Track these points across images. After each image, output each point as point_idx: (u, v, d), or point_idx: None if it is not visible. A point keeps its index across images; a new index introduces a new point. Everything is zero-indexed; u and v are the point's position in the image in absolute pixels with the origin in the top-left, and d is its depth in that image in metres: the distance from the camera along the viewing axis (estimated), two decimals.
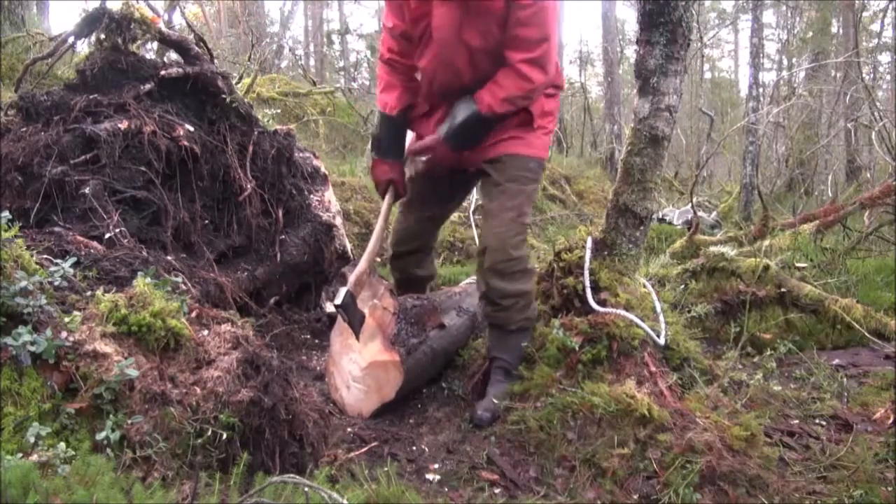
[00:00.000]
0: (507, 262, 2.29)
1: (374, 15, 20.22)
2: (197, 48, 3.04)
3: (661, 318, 2.33)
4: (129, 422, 1.54)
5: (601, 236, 2.44)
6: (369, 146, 2.62)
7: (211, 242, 2.78)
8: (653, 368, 2.22)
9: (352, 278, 2.28)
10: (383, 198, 2.51)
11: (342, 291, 2.21)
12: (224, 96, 2.90)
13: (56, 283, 1.79)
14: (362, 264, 2.37)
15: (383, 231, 2.47)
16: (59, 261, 1.89)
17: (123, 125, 2.52)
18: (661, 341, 2.27)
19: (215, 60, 3.22)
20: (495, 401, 2.28)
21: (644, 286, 2.46)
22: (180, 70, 2.86)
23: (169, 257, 2.38)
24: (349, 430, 2.24)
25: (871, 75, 11.48)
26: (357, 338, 2.32)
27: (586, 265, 2.35)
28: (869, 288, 3.93)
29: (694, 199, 5.29)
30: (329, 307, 2.65)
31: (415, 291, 2.71)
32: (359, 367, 2.35)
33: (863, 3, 9.03)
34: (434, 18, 2.16)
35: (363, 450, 2.07)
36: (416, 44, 2.31)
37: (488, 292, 2.34)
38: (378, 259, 3.83)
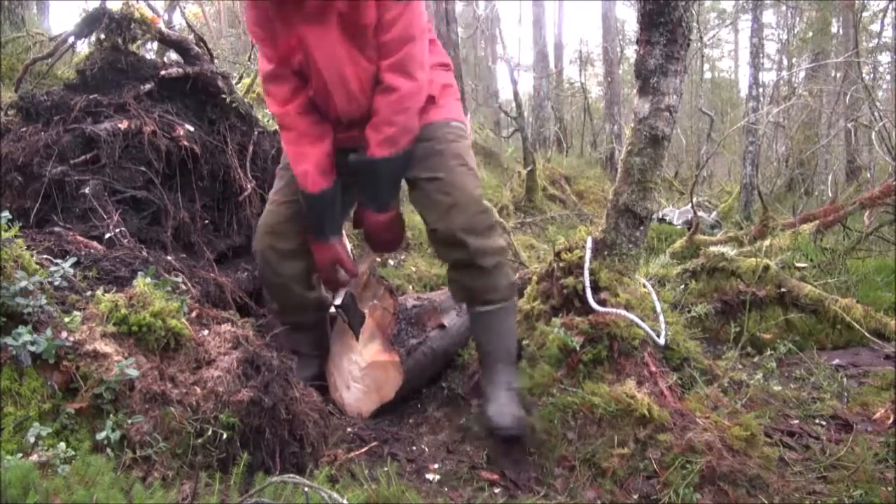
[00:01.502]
0: (480, 215, 2.09)
1: None
2: (197, 48, 3.04)
3: (661, 318, 2.33)
4: (129, 422, 1.54)
5: (601, 236, 2.44)
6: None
7: (211, 242, 2.78)
8: (653, 368, 2.23)
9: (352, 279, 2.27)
10: (333, 287, 2.29)
11: (342, 292, 2.18)
12: (224, 96, 2.90)
13: (56, 283, 1.79)
14: (362, 265, 2.37)
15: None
16: (59, 261, 1.89)
17: (123, 125, 2.52)
18: (661, 341, 2.27)
19: (215, 60, 3.22)
20: (510, 405, 2.08)
21: (644, 286, 2.46)
22: (180, 70, 2.86)
23: (169, 257, 2.38)
24: (349, 430, 2.24)
25: (871, 75, 11.48)
26: (357, 338, 2.31)
27: (586, 265, 2.35)
28: (869, 288, 3.93)
29: (694, 199, 5.29)
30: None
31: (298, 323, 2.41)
32: (358, 367, 2.35)
33: (863, 3, 9.02)
34: (311, 47, 1.95)
35: (363, 450, 2.07)
36: (301, 81, 2.06)
37: (470, 254, 2.07)
38: (378, 259, 3.83)
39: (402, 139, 2.05)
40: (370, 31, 1.93)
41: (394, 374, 2.30)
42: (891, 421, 2.31)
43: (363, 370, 2.33)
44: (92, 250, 2.17)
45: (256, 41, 2.08)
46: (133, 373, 1.57)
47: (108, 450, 1.49)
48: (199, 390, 1.67)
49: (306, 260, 2.25)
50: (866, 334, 3.09)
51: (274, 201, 2.28)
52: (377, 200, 2.15)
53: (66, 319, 1.63)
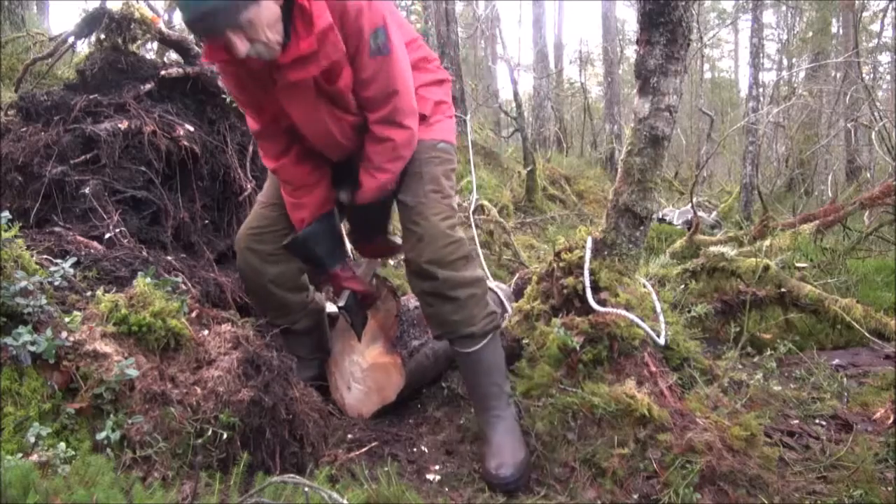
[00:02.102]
0: (448, 247, 2.02)
1: None
2: (197, 48, 3.04)
3: (661, 318, 2.33)
4: (130, 422, 1.54)
5: (601, 236, 2.44)
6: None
7: (211, 242, 2.78)
8: (653, 368, 2.22)
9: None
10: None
11: (345, 293, 2.18)
12: (224, 96, 2.90)
13: (56, 283, 1.79)
14: (364, 266, 2.36)
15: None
16: (59, 261, 1.89)
17: (123, 125, 2.52)
18: (662, 341, 2.27)
19: None
20: (513, 448, 1.98)
21: (644, 286, 2.45)
22: (180, 70, 2.86)
23: (169, 257, 2.38)
24: (349, 430, 2.24)
25: (871, 75, 11.48)
26: (359, 339, 2.30)
27: (586, 265, 2.35)
28: (869, 288, 3.93)
29: (694, 199, 5.29)
30: (331, 307, 2.64)
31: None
32: (360, 368, 2.35)
33: (863, 3, 9.03)
34: (292, 114, 1.94)
35: (363, 450, 2.07)
36: (291, 136, 2.05)
37: (440, 285, 2.01)
38: (379, 261, 3.82)
39: (393, 183, 2.05)
40: (348, 91, 1.90)
41: (395, 376, 2.30)
42: (891, 421, 2.31)
43: (365, 371, 2.34)
44: (92, 250, 2.17)
45: (240, 106, 2.08)
46: (133, 373, 1.57)
47: (108, 450, 1.49)
48: (199, 390, 1.68)
49: (287, 263, 2.22)
50: (866, 334, 3.09)
51: (260, 203, 2.27)
52: (367, 235, 2.24)
53: (66, 319, 1.63)
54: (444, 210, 2.07)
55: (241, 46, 1.66)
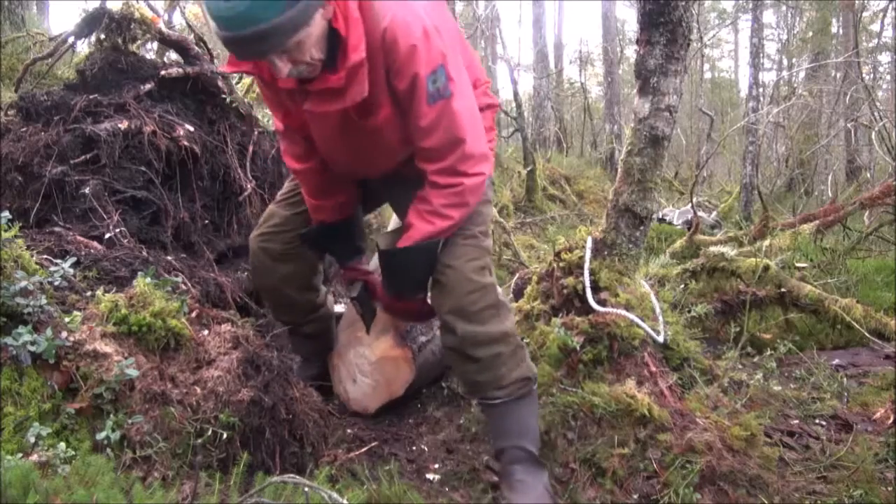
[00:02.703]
0: (471, 295, 1.78)
1: None
2: (197, 48, 3.04)
3: (661, 317, 2.33)
4: (130, 422, 1.54)
5: (601, 236, 2.44)
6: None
7: (211, 242, 2.78)
8: (653, 368, 2.22)
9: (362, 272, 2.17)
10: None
11: (357, 283, 2.13)
12: (224, 96, 2.90)
13: (56, 283, 1.79)
14: (375, 259, 2.33)
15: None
16: (59, 261, 1.89)
17: (123, 125, 2.52)
18: (661, 339, 2.27)
19: (215, 60, 3.22)
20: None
21: (642, 286, 2.45)
22: (180, 70, 2.86)
23: (169, 257, 2.38)
24: (349, 430, 2.24)
25: (871, 75, 11.48)
26: (367, 331, 2.25)
27: (586, 265, 2.35)
28: (869, 288, 3.93)
29: (694, 199, 5.29)
30: (339, 308, 2.56)
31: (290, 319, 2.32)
32: (368, 361, 2.30)
33: (863, 3, 9.03)
34: (313, 132, 1.82)
35: (363, 449, 2.07)
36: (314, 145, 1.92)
37: (459, 342, 1.79)
38: None
39: (451, 231, 1.79)
40: (386, 126, 1.71)
41: (405, 370, 2.27)
42: (891, 421, 2.31)
43: (373, 364, 2.29)
44: (92, 250, 2.17)
45: (265, 98, 1.91)
46: (133, 373, 1.57)
47: (108, 450, 1.49)
48: (199, 390, 1.68)
49: (299, 263, 2.16)
50: (866, 334, 3.09)
51: (276, 200, 2.22)
52: (404, 290, 1.93)
53: (66, 319, 1.63)
54: (470, 252, 1.83)
55: (284, 69, 1.51)
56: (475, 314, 1.78)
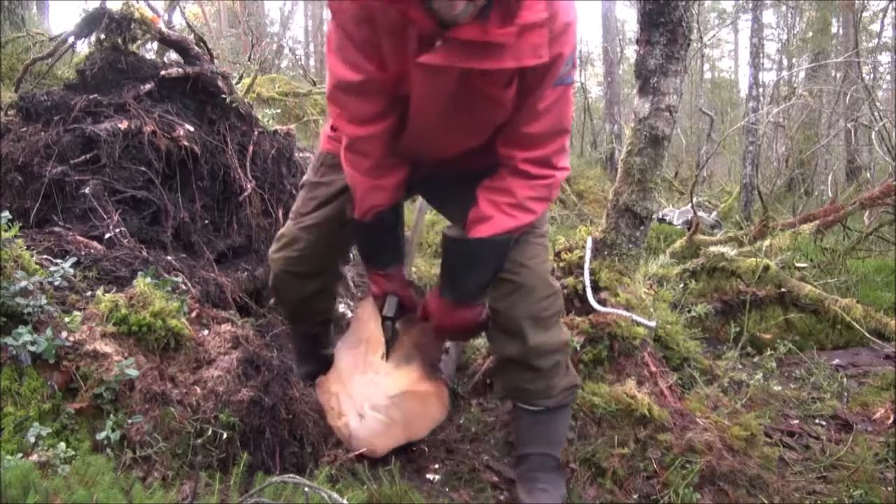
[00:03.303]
0: (545, 301, 1.71)
1: None
2: (197, 48, 3.04)
3: (647, 298, 2.33)
4: (129, 422, 1.54)
5: (601, 236, 2.44)
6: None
7: (211, 242, 2.78)
8: (653, 368, 2.23)
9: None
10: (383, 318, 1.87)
11: (393, 301, 1.81)
12: (224, 96, 2.90)
13: (56, 283, 1.79)
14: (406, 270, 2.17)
15: (415, 241, 2.08)
16: (59, 261, 1.89)
17: (123, 125, 2.52)
18: (653, 324, 2.26)
19: (215, 60, 3.22)
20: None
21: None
22: (180, 70, 2.86)
23: (169, 257, 2.38)
24: None
25: (871, 75, 11.47)
26: (387, 357, 1.91)
27: (586, 265, 2.35)
28: (869, 288, 3.94)
29: (694, 199, 5.29)
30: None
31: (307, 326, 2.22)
32: (385, 393, 1.87)
33: (863, 3, 9.02)
34: (413, 90, 1.52)
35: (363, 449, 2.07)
36: (393, 102, 1.60)
37: (525, 352, 1.70)
38: (413, 269, 3.76)
39: (525, 229, 1.66)
40: (509, 106, 1.52)
41: (434, 408, 1.90)
42: (891, 421, 2.31)
43: (391, 398, 1.87)
44: (92, 250, 2.17)
45: (345, 40, 1.52)
46: (133, 373, 1.57)
47: (108, 450, 1.49)
48: (199, 390, 1.68)
49: (327, 277, 2.03)
50: (866, 334, 3.09)
51: (299, 223, 1.94)
52: (465, 294, 1.69)
53: (66, 319, 1.63)
54: (542, 253, 1.75)
55: (460, 3, 1.30)
56: (545, 321, 1.71)
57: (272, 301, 2.31)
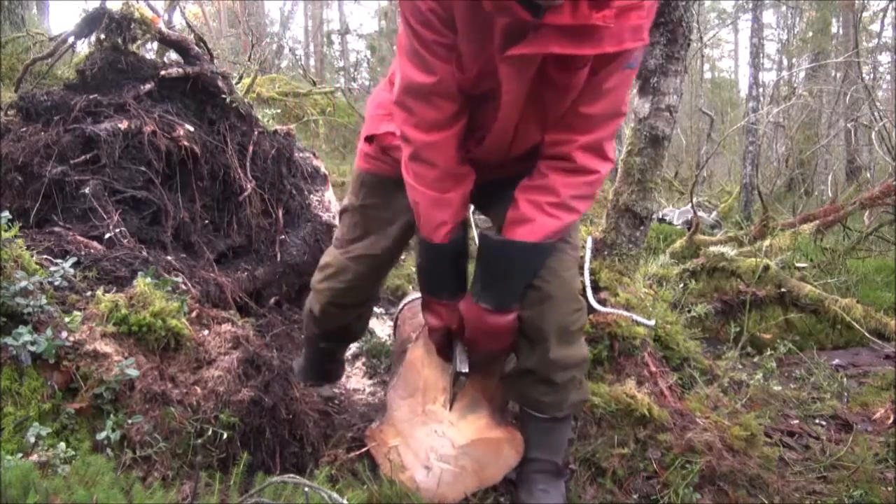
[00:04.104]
0: (574, 315, 1.66)
1: (374, 15, 20.24)
2: (197, 48, 3.04)
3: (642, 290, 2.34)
4: (130, 422, 1.54)
5: (601, 236, 2.44)
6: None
7: (211, 242, 2.78)
8: (653, 368, 2.23)
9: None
10: (443, 355, 1.79)
11: (464, 355, 1.70)
12: (224, 96, 2.90)
13: (56, 283, 1.79)
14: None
15: None
16: (59, 261, 1.89)
17: (123, 125, 2.52)
18: (652, 323, 2.26)
19: (215, 60, 3.22)
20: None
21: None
22: (180, 70, 2.86)
23: (169, 257, 2.38)
24: (349, 430, 2.24)
25: (871, 75, 11.47)
26: (450, 407, 1.79)
27: (586, 265, 2.35)
28: (869, 288, 3.94)
29: (694, 199, 5.29)
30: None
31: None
32: (452, 443, 1.79)
33: (863, 3, 9.02)
34: (506, 86, 1.42)
35: (364, 449, 2.07)
36: (465, 105, 1.53)
37: (544, 364, 1.65)
38: (414, 269, 3.74)
39: (566, 231, 1.59)
40: (566, 96, 1.44)
41: (508, 454, 1.81)
42: (891, 421, 2.31)
43: (460, 448, 1.78)
44: (92, 250, 2.17)
45: (416, 40, 1.43)
46: (133, 373, 1.57)
47: (108, 450, 1.49)
48: (199, 390, 1.68)
49: (369, 304, 2.10)
50: (866, 334, 3.09)
51: (347, 252, 1.87)
52: (504, 296, 1.60)
53: (66, 319, 1.63)
54: (574, 265, 1.70)
55: None
56: (571, 335, 1.66)
57: (305, 325, 2.22)
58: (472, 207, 2.03)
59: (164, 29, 2.96)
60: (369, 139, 1.81)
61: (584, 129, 1.48)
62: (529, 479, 1.80)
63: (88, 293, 1.84)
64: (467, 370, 1.68)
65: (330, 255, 1.95)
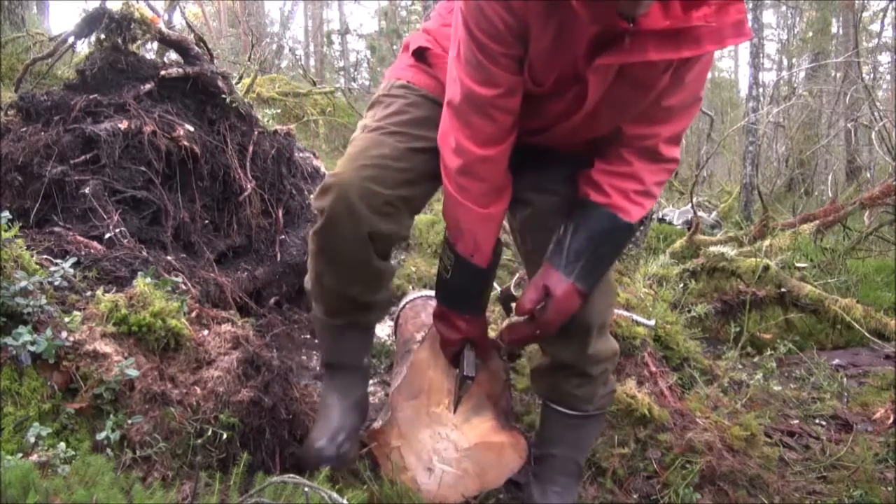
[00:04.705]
0: (610, 308, 1.68)
1: (374, 15, 20.24)
2: (197, 48, 3.04)
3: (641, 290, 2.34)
4: (129, 422, 1.54)
5: None
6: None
7: (211, 242, 2.78)
8: (653, 368, 2.23)
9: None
10: (453, 362, 1.73)
11: (471, 358, 1.68)
12: (224, 96, 2.90)
13: (56, 283, 1.79)
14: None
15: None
16: (59, 261, 1.89)
17: (123, 125, 2.52)
18: (651, 323, 2.26)
19: (215, 60, 3.22)
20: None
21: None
22: (180, 70, 2.86)
23: (169, 257, 2.38)
24: None
25: (871, 75, 11.48)
26: (454, 410, 1.79)
27: None
28: (869, 288, 3.94)
29: (694, 199, 5.29)
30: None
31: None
32: (456, 446, 1.80)
33: (863, 3, 9.02)
34: (593, 95, 1.35)
35: (363, 450, 2.07)
36: (515, 123, 1.44)
37: (581, 357, 1.63)
38: (413, 269, 3.75)
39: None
40: (649, 94, 1.36)
41: (510, 458, 1.80)
42: (891, 421, 2.31)
43: (464, 451, 1.79)
44: (92, 250, 2.17)
45: (479, 52, 1.33)
46: (133, 373, 1.57)
47: (108, 450, 1.49)
48: (199, 390, 1.67)
49: (401, 220, 1.55)
50: (866, 334, 3.09)
51: (381, 129, 1.53)
52: (597, 276, 1.50)
53: (66, 319, 1.63)
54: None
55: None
56: (604, 328, 1.66)
57: (307, 282, 1.72)
58: None
59: (164, 29, 2.96)
60: (417, 54, 1.61)
61: (667, 120, 1.43)
62: (546, 478, 1.77)
63: (88, 293, 1.84)
64: (473, 374, 1.67)
65: (362, 137, 1.55)
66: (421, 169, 1.52)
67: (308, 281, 1.69)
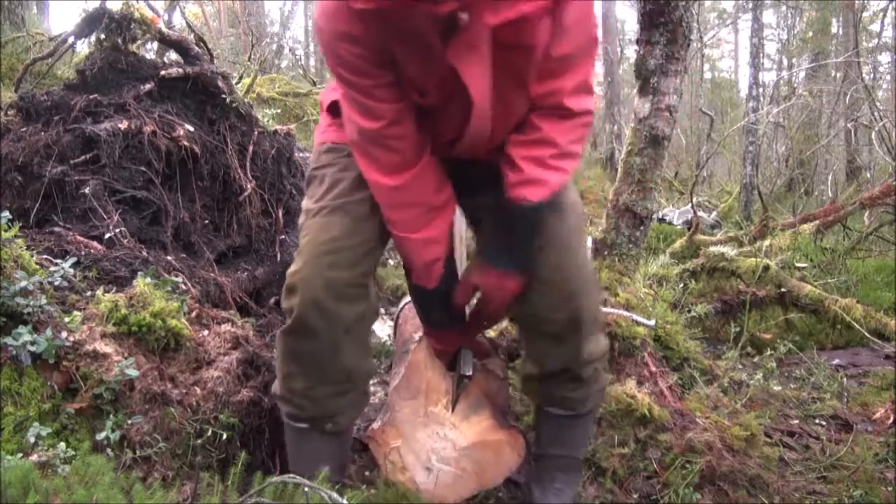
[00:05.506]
0: (598, 309, 1.65)
1: None
2: (197, 48, 3.04)
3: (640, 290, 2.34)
4: (129, 422, 1.54)
5: (601, 236, 2.44)
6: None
7: (211, 242, 2.78)
8: (653, 368, 2.23)
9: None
10: (450, 367, 1.74)
11: (468, 357, 1.70)
12: (224, 96, 2.90)
13: (56, 283, 1.79)
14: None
15: (463, 258, 1.91)
16: (59, 261, 1.89)
17: (123, 125, 2.52)
18: (651, 323, 2.26)
19: (215, 60, 3.22)
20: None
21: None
22: (180, 70, 2.86)
23: (169, 257, 2.38)
24: None
25: (871, 75, 11.48)
26: (453, 409, 1.79)
27: None
28: (869, 288, 3.94)
29: (694, 199, 5.29)
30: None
31: None
32: (454, 445, 1.79)
33: (863, 3, 9.02)
34: (470, 83, 1.30)
35: (364, 450, 2.07)
36: (421, 134, 1.43)
37: (574, 360, 1.61)
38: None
39: (572, 175, 1.50)
40: (539, 52, 1.32)
41: (508, 456, 1.80)
42: (891, 421, 2.31)
43: (462, 450, 1.78)
44: (92, 250, 2.17)
45: (351, 89, 1.35)
46: (133, 373, 1.57)
47: (108, 450, 1.49)
48: (199, 390, 1.68)
49: (366, 302, 1.53)
50: (866, 334, 3.09)
51: (323, 209, 1.52)
52: (524, 258, 1.51)
53: (66, 319, 1.63)
54: (587, 261, 1.64)
55: None
56: (600, 326, 1.62)
57: (274, 387, 1.63)
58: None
59: (164, 29, 2.96)
60: (332, 110, 1.59)
61: (566, 70, 1.37)
62: (546, 477, 1.77)
63: (88, 293, 1.84)
64: (471, 373, 1.68)
65: (309, 223, 1.54)
66: (373, 235, 1.52)
67: (276, 385, 1.62)
